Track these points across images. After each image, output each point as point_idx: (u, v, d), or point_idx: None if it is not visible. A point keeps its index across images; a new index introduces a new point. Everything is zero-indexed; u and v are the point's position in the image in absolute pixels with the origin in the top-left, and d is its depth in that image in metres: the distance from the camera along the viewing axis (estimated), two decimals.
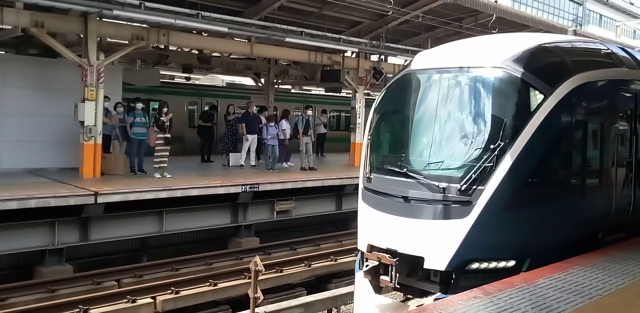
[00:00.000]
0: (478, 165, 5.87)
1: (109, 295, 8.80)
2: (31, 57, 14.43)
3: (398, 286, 6.30)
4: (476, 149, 5.99)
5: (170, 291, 8.96)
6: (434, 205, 6.08)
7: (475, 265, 5.96)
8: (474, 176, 5.86)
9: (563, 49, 7.22)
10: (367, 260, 6.50)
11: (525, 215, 6.07)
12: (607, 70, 7.21)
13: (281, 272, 10.35)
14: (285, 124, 15.68)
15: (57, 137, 13.27)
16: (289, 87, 26.12)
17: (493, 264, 5.98)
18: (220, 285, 9.46)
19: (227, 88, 23.88)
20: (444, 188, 6.00)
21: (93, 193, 10.36)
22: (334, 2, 15.69)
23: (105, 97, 12.83)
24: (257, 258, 7.08)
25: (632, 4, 44.83)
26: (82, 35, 12.59)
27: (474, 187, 5.87)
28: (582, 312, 4.51)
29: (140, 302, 8.55)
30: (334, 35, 16.34)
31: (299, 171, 15.43)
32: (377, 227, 6.64)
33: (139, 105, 13.60)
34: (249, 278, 7.82)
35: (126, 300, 8.49)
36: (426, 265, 6.03)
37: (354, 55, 19.02)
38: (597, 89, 6.82)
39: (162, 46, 16.95)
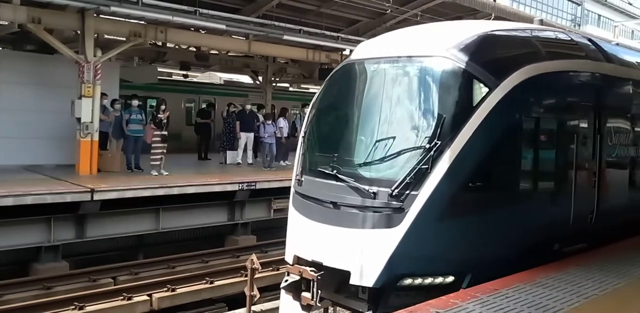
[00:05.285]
0: (412, 167, 5.18)
1: (105, 292, 8.80)
2: (28, 53, 14.33)
3: (319, 304, 5.56)
4: (411, 149, 5.31)
5: (166, 288, 8.97)
6: (363, 212, 5.35)
7: (408, 281, 5.25)
8: (407, 179, 5.17)
9: (517, 38, 6.41)
10: (288, 274, 5.76)
11: (465, 225, 5.35)
12: (565, 61, 6.40)
13: (278, 270, 10.32)
14: (282, 122, 15.66)
15: (53, 133, 13.22)
16: (286, 85, 26.10)
17: (429, 280, 5.28)
18: (217, 283, 9.46)
19: (225, 86, 23.85)
20: (374, 193, 5.29)
21: (89, 190, 10.33)
22: (333, 0, 15.67)
23: (102, 94, 12.81)
24: (254, 256, 7.06)
25: (630, 4, 44.89)
26: (79, 32, 12.55)
27: (407, 191, 5.17)
28: (579, 311, 4.51)
29: (136, 299, 8.54)
30: (333, 34, 16.35)
31: None
32: (303, 237, 5.86)
33: (135, 102, 13.57)
34: (246, 276, 7.83)
35: (122, 297, 8.49)
36: (352, 281, 5.27)
37: None
38: (551, 82, 6.03)
39: (160, 43, 16.89)
